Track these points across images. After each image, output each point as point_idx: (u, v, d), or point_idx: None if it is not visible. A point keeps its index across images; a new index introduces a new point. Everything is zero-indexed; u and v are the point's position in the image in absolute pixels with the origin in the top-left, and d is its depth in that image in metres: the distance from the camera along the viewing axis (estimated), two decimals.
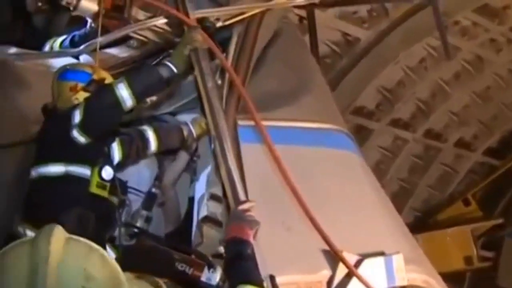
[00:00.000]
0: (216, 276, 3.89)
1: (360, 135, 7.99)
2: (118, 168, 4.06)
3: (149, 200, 4.40)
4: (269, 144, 3.83)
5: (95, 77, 4.08)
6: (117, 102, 3.80)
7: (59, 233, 2.04)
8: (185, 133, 4.35)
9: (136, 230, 4.22)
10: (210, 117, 4.16)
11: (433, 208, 8.91)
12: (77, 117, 3.80)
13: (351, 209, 4.25)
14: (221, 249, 4.05)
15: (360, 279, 3.86)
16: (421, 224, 8.67)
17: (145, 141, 4.15)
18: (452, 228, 8.39)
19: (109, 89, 3.85)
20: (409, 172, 8.74)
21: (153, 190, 4.43)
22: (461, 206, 8.69)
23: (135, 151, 4.13)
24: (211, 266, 3.92)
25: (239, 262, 3.01)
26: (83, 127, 3.80)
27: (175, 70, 3.93)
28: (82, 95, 4.01)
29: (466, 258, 8.21)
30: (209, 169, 4.33)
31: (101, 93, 3.93)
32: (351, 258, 4.01)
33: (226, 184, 4.01)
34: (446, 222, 8.59)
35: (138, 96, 3.84)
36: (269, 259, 3.74)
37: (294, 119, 4.60)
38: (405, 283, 4.03)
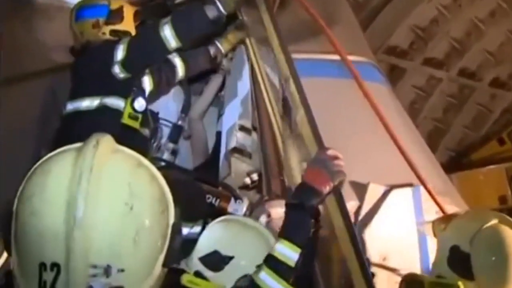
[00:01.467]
0: (242, 207, 3.91)
1: (394, 74, 7.92)
2: (150, 98, 4.05)
3: (175, 132, 4.40)
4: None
5: (112, 7, 4.05)
6: (161, 42, 3.75)
7: (107, 143, 1.99)
8: (212, 51, 4.30)
9: (163, 163, 4.23)
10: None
11: (467, 147, 8.84)
12: (119, 54, 3.79)
13: (380, 141, 4.20)
14: (248, 181, 4.06)
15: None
16: (455, 164, 8.61)
17: (172, 67, 4.12)
18: (486, 167, 8.32)
19: (154, 29, 3.80)
20: (444, 111, 8.65)
21: (179, 122, 4.43)
22: (496, 146, 8.60)
23: (165, 79, 4.10)
24: (237, 198, 3.93)
25: (296, 213, 2.63)
26: (125, 64, 3.78)
27: (222, 10, 3.75)
28: (107, 29, 4.00)
29: (501, 197, 8.14)
30: (238, 100, 4.33)
31: (146, 33, 3.90)
32: (379, 189, 3.99)
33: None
34: (480, 162, 8.52)
35: (183, 37, 3.77)
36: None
37: (323, 51, 4.54)
38: (433, 214, 3.98)
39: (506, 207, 8.11)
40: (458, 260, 2.96)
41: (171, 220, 2.06)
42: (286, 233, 2.58)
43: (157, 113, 4.28)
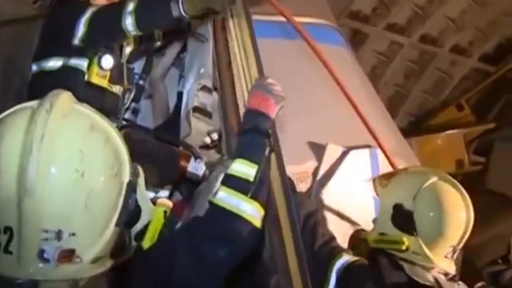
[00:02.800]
0: (202, 166, 3.94)
1: (356, 39, 7.96)
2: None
3: (137, 92, 4.38)
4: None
5: None
6: (120, 28, 3.68)
7: (62, 104, 2.01)
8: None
9: (124, 122, 4.23)
10: None
11: (427, 113, 8.94)
12: (81, 28, 3.74)
13: (339, 103, 4.26)
14: (208, 140, 4.10)
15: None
16: (414, 128, 8.72)
17: None
18: (445, 132, 8.43)
19: (117, 14, 3.68)
20: (404, 77, 8.73)
21: (141, 82, 4.41)
22: (455, 111, 8.70)
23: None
24: (197, 157, 3.96)
25: (251, 136, 2.64)
26: (84, 39, 3.73)
27: (183, 13, 3.60)
28: None
29: (458, 161, 8.27)
30: (199, 61, 4.34)
31: (109, 15, 3.81)
32: (337, 150, 4.05)
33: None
34: (439, 127, 8.62)
35: (142, 28, 3.72)
36: None
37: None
38: None
39: (462, 171, 8.25)
40: (401, 217, 3.06)
41: (126, 179, 2.11)
42: (240, 153, 2.57)
43: (133, 68, 4.25)
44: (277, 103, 2.78)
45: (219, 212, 2.40)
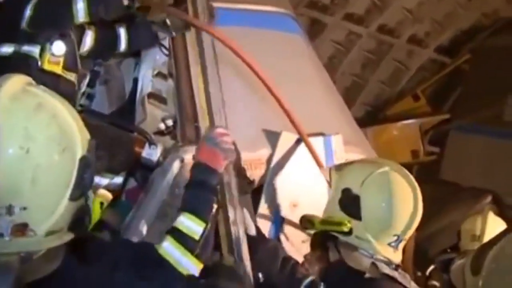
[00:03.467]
0: (156, 152, 3.94)
1: (314, 28, 7.99)
2: (89, 54, 4.10)
3: (92, 77, 4.36)
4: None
5: None
6: (70, 13, 3.66)
7: (11, 87, 2.06)
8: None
9: (79, 107, 4.21)
10: None
11: (383, 103, 9.01)
12: (28, 11, 3.69)
13: (293, 90, 4.28)
14: (162, 127, 4.10)
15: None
16: (371, 118, 8.78)
17: (115, 36, 4.16)
18: (400, 122, 8.51)
19: None
20: (362, 67, 8.78)
21: (96, 68, 4.39)
22: (411, 101, 8.78)
23: (106, 42, 4.15)
24: (152, 143, 3.96)
25: (197, 191, 2.76)
26: (31, 24, 3.69)
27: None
28: None
29: (413, 151, 8.36)
30: (155, 47, 4.34)
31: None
32: (291, 138, 4.07)
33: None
34: (395, 117, 8.70)
35: (93, 15, 3.70)
36: None
37: (242, 1, 4.58)
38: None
39: (417, 161, 8.35)
40: (348, 201, 3.11)
41: (78, 155, 2.13)
42: (189, 207, 2.68)
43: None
44: (226, 158, 2.90)
45: (161, 260, 2.50)
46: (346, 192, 3.14)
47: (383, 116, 8.81)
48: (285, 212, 4.00)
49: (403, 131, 8.46)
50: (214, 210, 2.73)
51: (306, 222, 3.38)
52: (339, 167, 3.32)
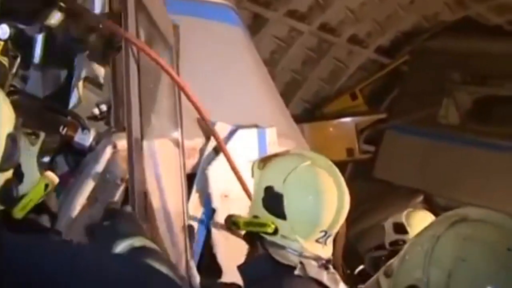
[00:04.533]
0: (89, 137, 3.91)
1: (256, 23, 8.04)
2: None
3: (26, 59, 4.30)
4: None
5: None
6: None
7: None
8: None
9: (12, 88, 4.14)
10: None
11: (321, 100, 9.09)
12: None
13: (230, 81, 4.30)
14: (97, 111, 4.06)
15: (225, 153, 3.93)
16: (308, 115, 8.86)
17: None
18: (337, 120, 8.62)
19: None
20: (302, 63, 8.86)
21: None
22: (348, 100, 8.90)
23: None
24: (85, 128, 3.93)
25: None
26: None
27: None
28: None
29: (348, 149, 8.47)
30: None
31: None
32: (225, 128, 4.08)
33: None
34: (332, 114, 8.80)
35: None
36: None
37: None
38: None
39: (352, 159, 8.47)
40: (271, 200, 2.97)
41: (5, 132, 2.16)
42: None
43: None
44: None
45: None
46: (269, 191, 3.00)
47: (320, 113, 8.91)
48: (216, 203, 3.99)
49: (339, 129, 8.57)
50: None
51: (230, 223, 3.26)
52: (261, 163, 3.16)
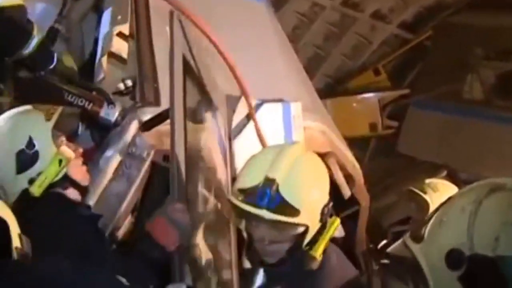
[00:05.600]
0: (114, 112, 3.94)
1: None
2: None
3: (52, 35, 4.32)
4: None
5: None
6: None
7: None
8: None
9: None
10: None
11: (344, 75, 9.06)
12: None
13: (255, 56, 4.30)
14: (122, 87, 4.08)
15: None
16: (331, 90, 8.84)
17: None
18: (360, 96, 8.60)
19: None
20: (324, 39, 8.81)
21: (56, 25, 4.35)
22: (371, 76, 8.85)
23: None
24: (110, 103, 3.95)
25: (140, 263, 2.69)
26: None
27: None
28: None
29: (371, 124, 8.45)
30: (116, 7, 4.32)
31: None
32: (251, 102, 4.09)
33: None
34: (355, 90, 8.77)
35: None
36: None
37: None
38: (301, 131, 4.13)
39: (375, 135, 8.46)
40: None
41: None
42: (124, 273, 2.56)
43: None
44: (180, 238, 2.75)
45: None
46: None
47: (343, 89, 8.87)
48: None
49: (362, 104, 8.55)
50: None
51: None
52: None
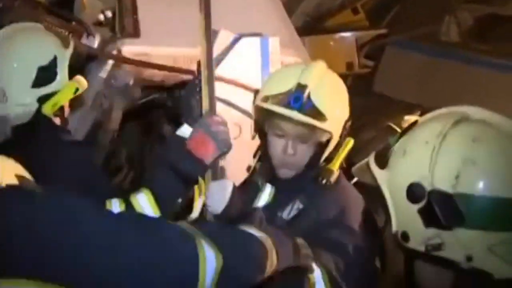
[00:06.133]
0: (94, 42, 3.96)
1: None
2: None
3: None
4: None
5: None
6: None
7: None
8: None
9: None
10: None
11: (323, 14, 9.01)
12: None
13: None
14: (101, 18, 4.09)
15: None
16: (309, 28, 8.80)
17: None
18: (338, 34, 8.58)
19: None
20: None
21: None
22: (350, 15, 8.80)
23: None
24: (89, 34, 3.97)
25: (171, 176, 2.59)
26: None
27: None
28: None
29: (348, 63, 8.43)
30: None
31: None
32: (228, 36, 4.12)
33: None
34: (333, 28, 8.75)
35: None
36: (152, 32, 3.82)
37: None
38: (278, 66, 4.17)
39: (352, 73, 8.48)
40: None
41: None
42: (155, 187, 2.56)
43: None
44: (218, 150, 2.71)
45: None
46: None
47: (322, 27, 8.84)
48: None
49: (340, 43, 8.53)
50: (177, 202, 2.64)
51: None
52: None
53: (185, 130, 2.75)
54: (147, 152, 4.87)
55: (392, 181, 1.90)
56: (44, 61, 3.09)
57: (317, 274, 2.51)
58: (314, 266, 2.47)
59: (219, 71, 4.05)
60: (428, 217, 1.80)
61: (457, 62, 7.73)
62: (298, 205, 2.85)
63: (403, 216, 1.87)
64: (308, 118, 2.75)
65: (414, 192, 1.82)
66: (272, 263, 2.02)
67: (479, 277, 1.77)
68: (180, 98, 3.71)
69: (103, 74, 3.89)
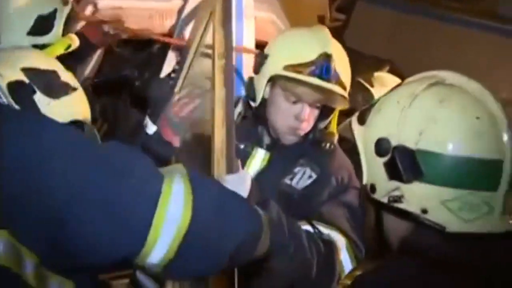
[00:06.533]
0: None
1: None
2: None
3: None
4: None
5: None
6: None
7: None
8: None
9: None
10: None
11: None
12: None
13: None
14: None
15: None
16: None
17: None
18: None
19: None
20: None
21: None
22: None
23: None
24: None
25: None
26: None
27: None
28: None
29: (320, 17, 8.40)
30: None
31: None
32: None
33: None
34: None
35: None
36: None
37: None
38: (252, 20, 4.20)
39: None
40: None
41: None
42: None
43: None
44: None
45: None
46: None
47: None
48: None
49: None
50: None
51: None
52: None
53: (150, 126, 2.82)
54: (120, 106, 4.89)
55: (365, 135, 2.04)
56: (45, 11, 3.14)
57: (341, 243, 2.71)
58: (337, 234, 2.68)
59: (194, 24, 4.10)
60: (392, 170, 1.93)
61: (428, 19, 7.78)
62: (310, 174, 2.90)
63: (372, 169, 2.01)
64: (339, 88, 2.83)
65: (381, 146, 1.96)
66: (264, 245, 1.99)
67: (433, 229, 1.90)
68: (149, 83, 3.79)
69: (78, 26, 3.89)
